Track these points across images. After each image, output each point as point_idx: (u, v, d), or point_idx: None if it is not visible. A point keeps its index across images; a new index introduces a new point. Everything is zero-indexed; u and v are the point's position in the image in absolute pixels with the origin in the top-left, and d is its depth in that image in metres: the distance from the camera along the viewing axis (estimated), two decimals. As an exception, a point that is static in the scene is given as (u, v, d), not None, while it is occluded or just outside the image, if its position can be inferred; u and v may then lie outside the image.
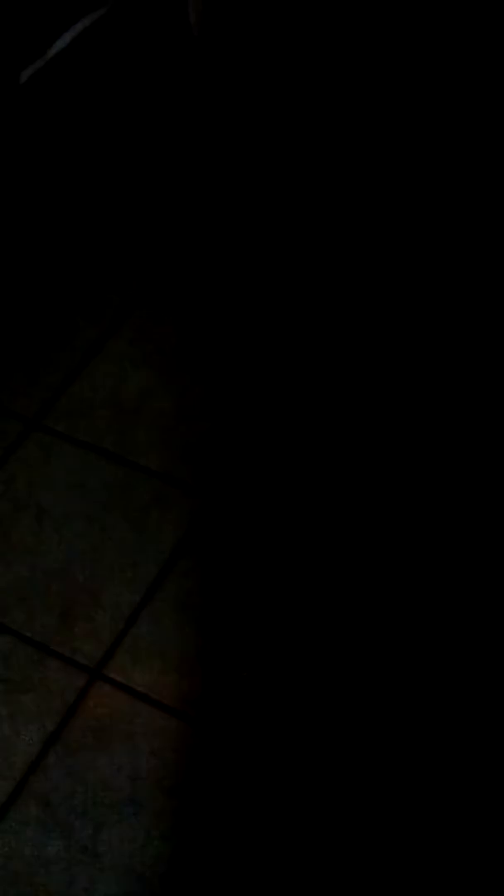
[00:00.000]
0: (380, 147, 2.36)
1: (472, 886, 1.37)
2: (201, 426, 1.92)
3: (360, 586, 1.67)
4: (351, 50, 2.51)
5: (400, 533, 1.73)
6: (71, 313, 2.13)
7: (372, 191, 2.29)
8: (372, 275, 2.13)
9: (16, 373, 2.03)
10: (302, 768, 1.48)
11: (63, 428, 1.93)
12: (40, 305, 2.15)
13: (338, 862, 1.40)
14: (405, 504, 1.77)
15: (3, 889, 1.40)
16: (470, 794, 1.45)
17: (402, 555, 1.70)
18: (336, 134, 2.40)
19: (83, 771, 1.50)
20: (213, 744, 1.52)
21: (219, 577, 1.70)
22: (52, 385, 2.00)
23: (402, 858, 1.40)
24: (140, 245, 2.26)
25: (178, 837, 1.44)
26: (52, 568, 1.73)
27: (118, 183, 2.37)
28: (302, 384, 1.97)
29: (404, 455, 1.84)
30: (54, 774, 1.50)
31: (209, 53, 2.56)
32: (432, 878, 1.38)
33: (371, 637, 1.61)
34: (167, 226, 2.29)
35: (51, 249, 2.25)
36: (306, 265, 2.17)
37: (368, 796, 1.45)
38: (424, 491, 1.78)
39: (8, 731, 1.54)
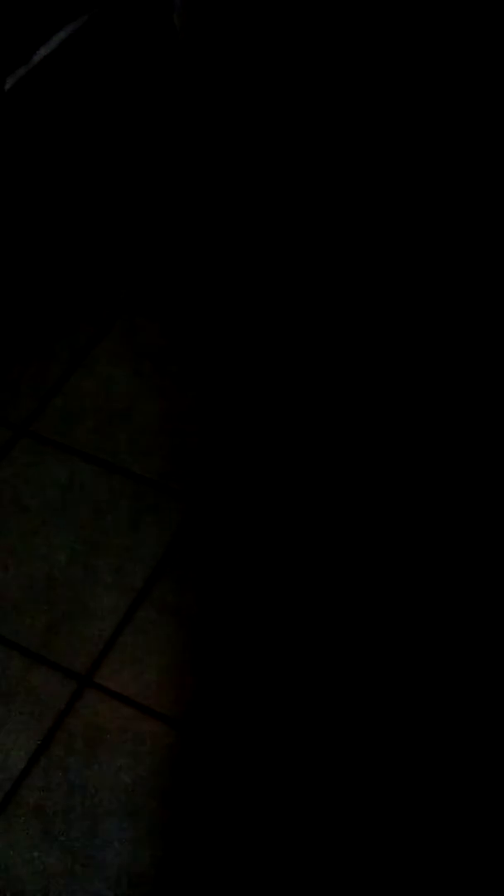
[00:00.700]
0: (368, 140, 2.36)
1: (472, 886, 1.37)
2: (190, 431, 1.92)
3: (353, 591, 1.66)
4: (336, 47, 2.51)
5: (394, 535, 1.73)
6: (58, 318, 2.12)
7: (360, 186, 2.28)
8: (363, 278, 2.13)
9: (2, 379, 2.03)
10: (294, 774, 1.48)
11: (51, 434, 1.93)
12: (27, 311, 2.14)
13: (331, 866, 1.40)
14: (399, 506, 1.77)
15: (-4, 898, 1.40)
16: (469, 798, 1.44)
17: (396, 558, 1.70)
18: (325, 131, 2.40)
19: (75, 778, 1.50)
20: (205, 750, 1.52)
21: (209, 582, 1.70)
22: (40, 391, 2.00)
23: (399, 864, 1.40)
24: (127, 250, 2.26)
25: (172, 843, 1.43)
26: (41, 575, 1.72)
27: (105, 187, 2.37)
28: (293, 388, 1.97)
29: (399, 459, 1.83)
30: (46, 782, 1.50)
31: (194, 55, 2.56)
32: (432, 882, 1.38)
33: (364, 641, 1.61)
34: (155, 230, 2.29)
35: (37, 255, 2.25)
36: (296, 266, 2.17)
37: (363, 802, 1.45)
38: (419, 495, 1.78)
39: (-2, 739, 1.54)
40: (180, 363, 2.03)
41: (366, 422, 1.89)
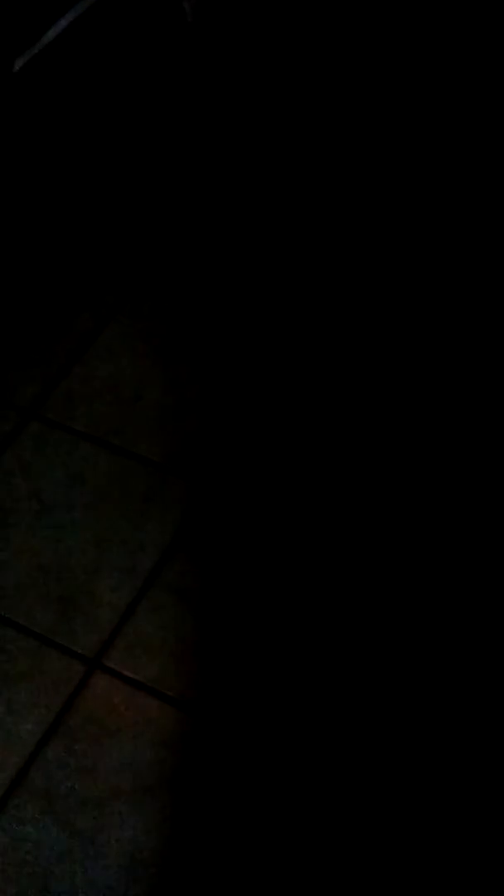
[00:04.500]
0: (379, 136, 2.35)
1: (472, 886, 1.37)
2: (198, 416, 1.91)
3: (359, 576, 1.66)
4: (349, 37, 2.50)
5: (397, 524, 1.73)
6: (66, 303, 2.12)
7: (370, 180, 2.28)
8: (367, 267, 2.12)
9: (12, 363, 2.02)
10: (302, 759, 1.48)
11: (60, 418, 1.92)
12: (36, 296, 2.14)
13: (336, 854, 1.40)
14: (403, 495, 1.76)
15: (4, 881, 1.40)
16: (470, 789, 1.45)
17: (399, 546, 1.70)
18: (333, 120, 2.39)
19: (83, 761, 1.50)
20: (213, 734, 1.52)
21: (217, 566, 1.70)
22: (49, 375, 2.00)
23: (402, 853, 1.40)
24: (136, 235, 2.25)
25: (179, 828, 1.43)
26: (50, 558, 1.72)
27: (114, 172, 2.36)
28: (298, 374, 1.96)
29: (402, 447, 1.83)
30: (54, 765, 1.50)
31: (204, 39, 2.55)
32: (432, 874, 1.38)
33: (370, 627, 1.60)
34: (163, 216, 2.28)
35: (46, 240, 2.24)
36: (302, 255, 2.16)
37: (368, 787, 1.45)
38: (422, 485, 1.78)
39: (7, 722, 1.54)
40: (187, 348, 2.03)
41: (371, 407, 1.89)
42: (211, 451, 1.86)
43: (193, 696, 1.55)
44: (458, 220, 2.18)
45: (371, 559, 1.68)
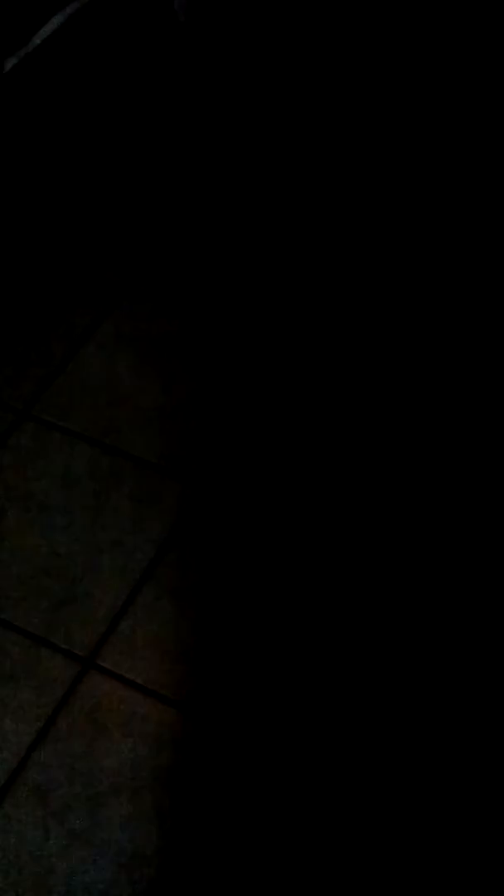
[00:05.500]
0: (374, 130, 2.35)
1: (472, 886, 1.37)
2: (192, 416, 1.91)
3: (355, 574, 1.66)
4: (341, 34, 2.50)
5: (394, 520, 1.72)
6: (60, 303, 2.12)
7: (366, 177, 2.27)
8: (365, 268, 2.12)
9: (5, 363, 2.03)
10: (296, 756, 1.48)
11: (54, 418, 1.92)
12: (31, 295, 2.14)
13: (334, 852, 1.40)
14: (399, 491, 1.76)
15: (0, 880, 1.40)
16: (469, 789, 1.44)
17: (396, 542, 1.70)
18: (327, 117, 2.39)
19: (78, 760, 1.50)
20: (208, 732, 1.52)
21: (211, 565, 1.70)
22: (43, 375, 2.00)
23: (400, 853, 1.39)
24: (129, 235, 2.25)
25: (174, 825, 1.43)
26: (44, 558, 1.72)
27: (107, 172, 2.36)
28: (294, 374, 1.96)
29: (399, 446, 1.83)
30: (49, 764, 1.50)
31: (195, 38, 2.55)
32: (431, 872, 1.38)
33: (366, 626, 1.60)
34: (156, 215, 2.28)
35: (41, 238, 2.24)
36: (298, 253, 2.16)
37: (365, 785, 1.45)
38: (420, 483, 1.77)
39: (1, 721, 1.54)
40: (183, 348, 2.03)
41: (364, 407, 1.89)
42: (206, 452, 1.86)
43: (188, 695, 1.55)
44: (457, 219, 2.17)
45: (367, 557, 1.68)
